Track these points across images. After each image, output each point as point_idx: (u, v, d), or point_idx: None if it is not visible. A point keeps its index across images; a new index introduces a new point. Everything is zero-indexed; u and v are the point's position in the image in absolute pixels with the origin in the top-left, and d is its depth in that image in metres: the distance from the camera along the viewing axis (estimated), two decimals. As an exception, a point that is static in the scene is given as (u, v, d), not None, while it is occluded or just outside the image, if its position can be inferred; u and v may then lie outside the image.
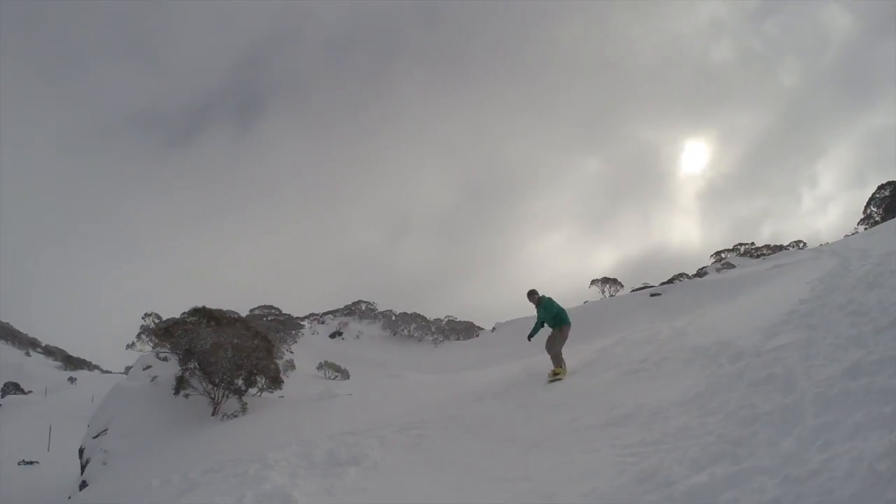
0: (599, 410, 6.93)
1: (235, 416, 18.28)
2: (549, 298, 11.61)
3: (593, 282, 54.56)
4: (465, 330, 64.45)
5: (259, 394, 20.42)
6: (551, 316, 11.33)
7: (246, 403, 18.84)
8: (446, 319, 67.78)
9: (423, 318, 67.21)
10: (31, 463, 40.06)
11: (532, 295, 11.76)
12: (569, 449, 6.08)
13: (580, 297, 58.09)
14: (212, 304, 22.02)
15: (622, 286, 53.06)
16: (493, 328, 47.59)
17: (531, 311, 11.76)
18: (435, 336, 65.24)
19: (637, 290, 43.50)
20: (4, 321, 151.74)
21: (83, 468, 19.89)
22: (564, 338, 11.18)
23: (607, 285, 53.54)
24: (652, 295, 32.08)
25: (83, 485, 18.19)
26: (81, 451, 21.19)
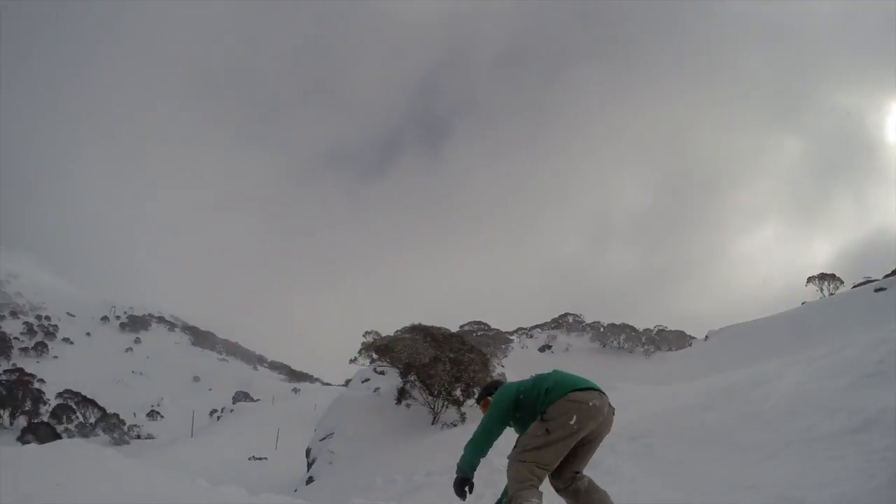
0: (838, 416, 6.81)
1: (455, 425, 19.46)
2: (507, 385, 5.11)
3: (810, 279, 50.48)
4: (676, 339, 62.89)
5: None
6: (533, 395, 4.70)
7: (465, 413, 19.99)
8: (656, 329, 66.48)
9: (633, 329, 66.44)
10: (261, 459, 45.26)
11: (486, 395, 5.25)
12: (810, 456, 6.10)
13: (797, 298, 54.25)
14: (424, 322, 23.63)
15: (842, 282, 48.76)
16: (706, 337, 45.74)
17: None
18: (646, 347, 64.39)
19: (858, 285, 40.16)
20: (233, 340, 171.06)
21: (309, 465, 22.16)
22: (550, 440, 4.35)
23: (825, 282, 49.27)
24: (876, 290, 29.45)
25: (309, 480, 20.30)
26: (308, 451, 23.59)
